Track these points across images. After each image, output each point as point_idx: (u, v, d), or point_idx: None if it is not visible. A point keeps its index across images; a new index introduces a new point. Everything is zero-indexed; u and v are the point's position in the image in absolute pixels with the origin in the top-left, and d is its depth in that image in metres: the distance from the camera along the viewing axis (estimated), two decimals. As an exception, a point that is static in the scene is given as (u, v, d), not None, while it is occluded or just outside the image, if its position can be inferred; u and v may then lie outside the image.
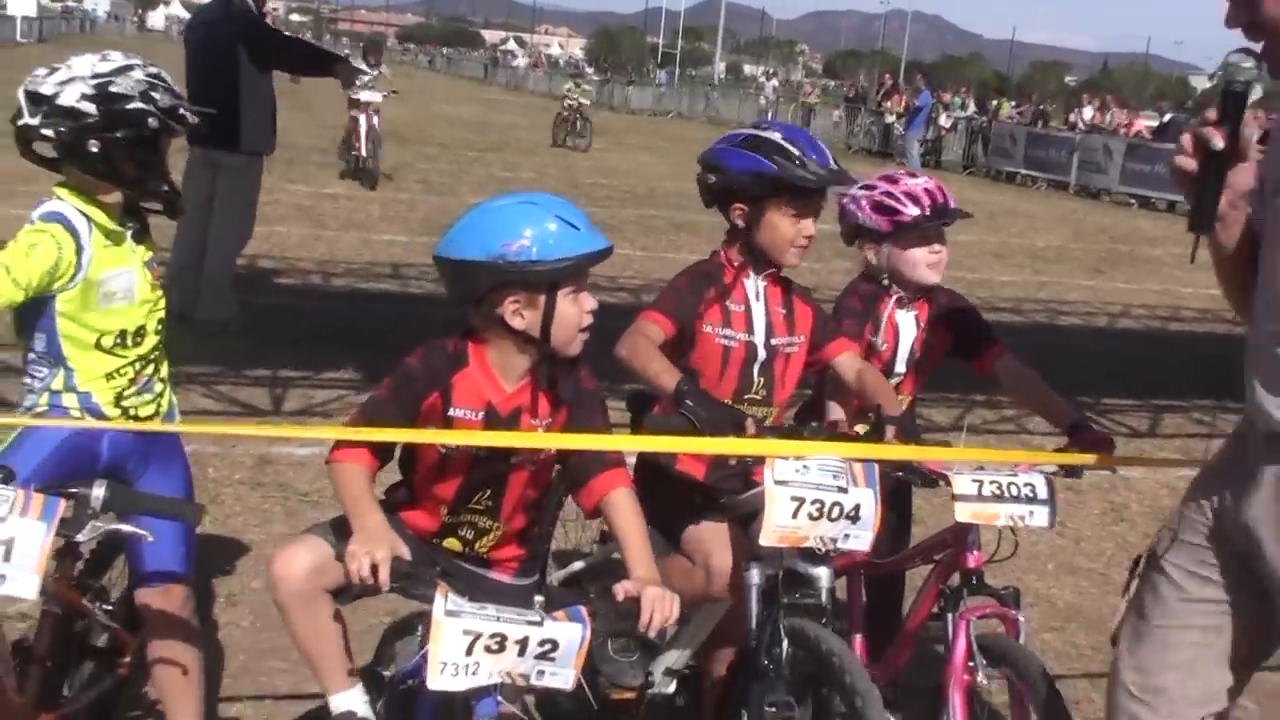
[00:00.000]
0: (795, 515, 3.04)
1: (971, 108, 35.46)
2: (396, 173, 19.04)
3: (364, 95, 17.94)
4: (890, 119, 33.61)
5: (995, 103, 35.52)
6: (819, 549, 3.13)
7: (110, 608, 3.39)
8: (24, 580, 2.48)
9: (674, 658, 3.70)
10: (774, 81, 51.98)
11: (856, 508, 3.07)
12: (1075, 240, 19.66)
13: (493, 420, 3.01)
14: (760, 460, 3.13)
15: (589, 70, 52.28)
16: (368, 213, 15.32)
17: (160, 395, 3.39)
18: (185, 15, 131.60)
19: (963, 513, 3.25)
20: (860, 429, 3.52)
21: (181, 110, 3.24)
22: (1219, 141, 2.41)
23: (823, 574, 3.31)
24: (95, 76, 3.12)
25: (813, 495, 3.04)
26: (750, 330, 3.62)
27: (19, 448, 3.14)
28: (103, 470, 3.21)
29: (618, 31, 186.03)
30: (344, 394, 7.71)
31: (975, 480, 3.26)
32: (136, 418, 3.31)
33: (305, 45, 11.39)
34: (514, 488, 3.11)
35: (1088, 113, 32.53)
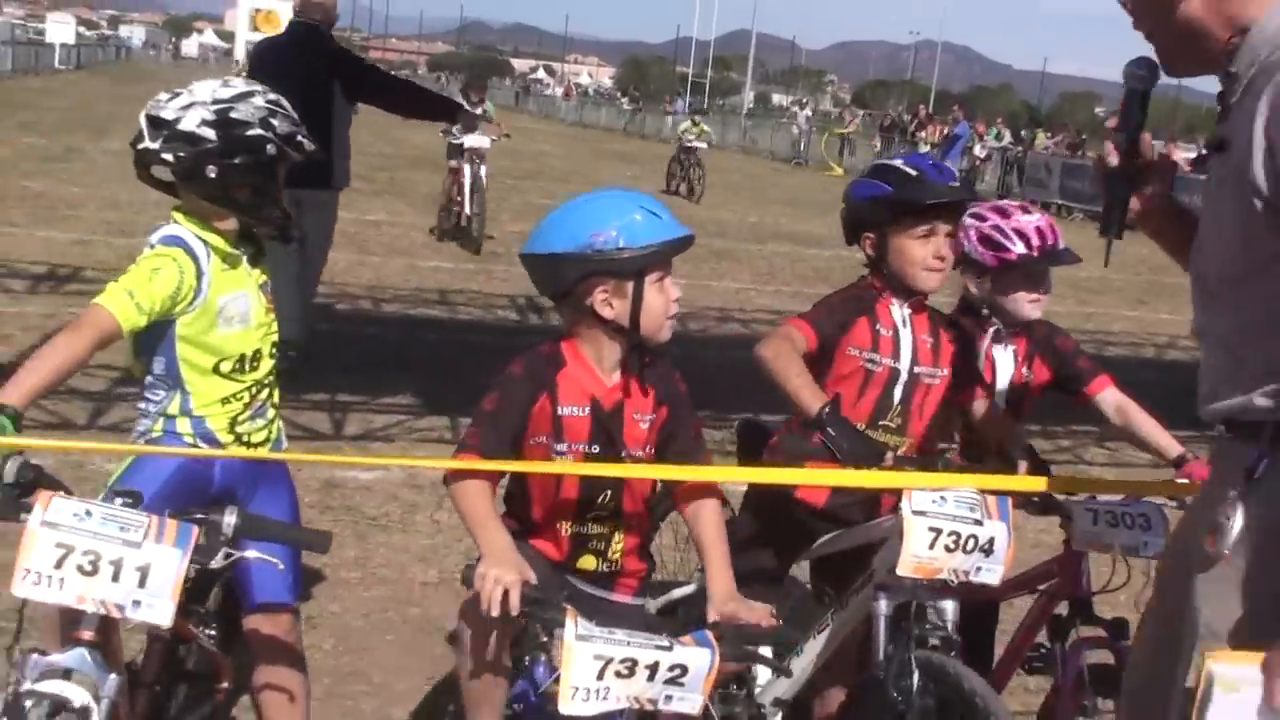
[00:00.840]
0: (932, 546, 3.04)
1: (1007, 137, 35.44)
2: (436, 199, 19.11)
3: (469, 140, 15.10)
4: (925, 149, 33.59)
5: (1030, 133, 35.42)
6: (952, 581, 3.12)
7: (213, 633, 3.39)
8: (160, 606, 2.49)
9: (783, 687, 3.68)
10: (807, 111, 51.87)
11: (990, 541, 3.07)
12: (1116, 271, 19.47)
13: (599, 414, 3.05)
14: (890, 491, 3.14)
15: (621, 99, 52.46)
16: (412, 239, 15.39)
17: (272, 421, 3.41)
18: (218, 44, 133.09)
19: (1078, 543, 3.24)
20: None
21: (299, 137, 3.27)
22: (1113, 159, 2.63)
23: (949, 607, 3.32)
24: (216, 102, 3.15)
25: (950, 527, 3.05)
26: (896, 356, 3.60)
27: (139, 470, 3.16)
28: (214, 495, 3.22)
29: (647, 61, 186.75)
30: (403, 419, 7.77)
31: (1090, 510, 3.25)
32: (250, 443, 3.33)
33: (416, 87, 10.35)
34: (631, 483, 3.12)
35: (1124, 143, 32.41)
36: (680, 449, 3.15)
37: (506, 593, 2.60)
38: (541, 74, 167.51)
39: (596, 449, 3.06)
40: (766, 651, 2.87)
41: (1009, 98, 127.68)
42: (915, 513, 3.03)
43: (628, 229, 2.94)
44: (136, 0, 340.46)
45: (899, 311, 3.62)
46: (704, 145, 25.43)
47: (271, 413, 3.41)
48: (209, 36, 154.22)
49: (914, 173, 3.50)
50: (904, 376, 3.60)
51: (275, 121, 3.21)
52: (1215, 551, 2.33)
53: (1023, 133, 36.69)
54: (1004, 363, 3.95)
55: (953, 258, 3.58)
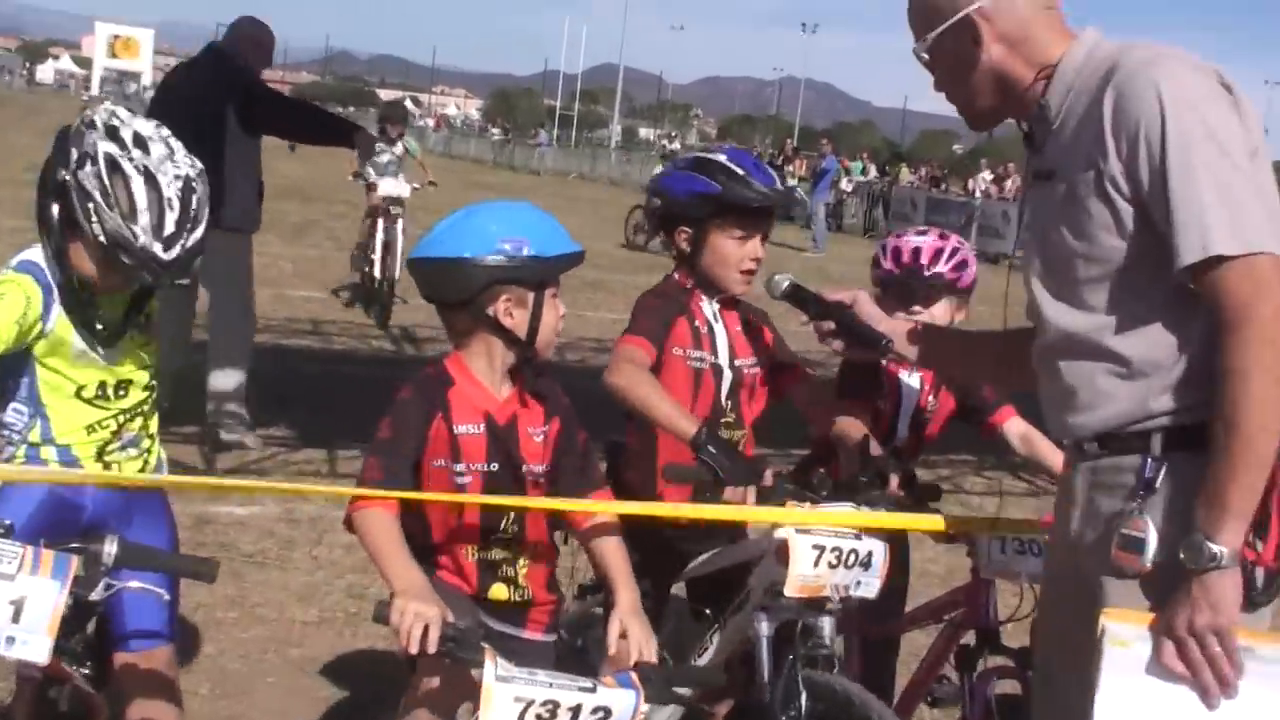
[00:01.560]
0: (816, 564, 3.01)
1: (873, 172, 36.10)
2: (305, 230, 18.78)
3: (384, 186, 12.62)
4: (792, 182, 34.02)
5: (894, 168, 36.12)
6: (833, 598, 3.09)
7: (88, 671, 3.20)
8: (36, 643, 2.33)
9: (667, 712, 3.60)
10: (675, 144, 52.30)
11: (869, 555, 3.07)
12: (982, 304, 19.94)
13: (494, 430, 2.99)
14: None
15: (492, 131, 52.41)
16: (280, 269, 15.05)
17: (148, 451, 3.23)
18: (75, 70, 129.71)
19: (987, 570, 3.22)
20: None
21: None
22: (834, 338, 3.10)
23: (827, 624, 3.23)
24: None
25: (832, 543, 3.02)
26: (715, 352, 3.57)
27: (4, 500, 2.97)
28: (86, 527, 3.04)
29: (514, 93, 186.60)
30: (279, 451, 7.56)
31: (996, 538, 3.23)
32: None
33: (312, 109, 9.72)
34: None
35: (986, 177, 33.26)
36: (573, 464, 3.11)
37: (426, 628, 2.48)
38: (409, 104, 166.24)
39: (495, 467, 2.99)
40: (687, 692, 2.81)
41: (871, 134, 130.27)
42: (800, 531, 3.00)
43: (538, 239, 2.93)
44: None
45: (709, 308, 3.61)
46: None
47: (147, 443, 3.22)
48: (65, 63, 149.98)
49: (740, 171, 3.47)
50: (727, 372, 3.58)
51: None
52: (1138, 567, 2.37)
53: (886, 168, 37.39)
54: (908, 390, 3.95)
55: (762, 261, 3.57)
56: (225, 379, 7.70)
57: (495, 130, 56.10)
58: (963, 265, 3.87)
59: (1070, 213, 2.46)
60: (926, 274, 3.86)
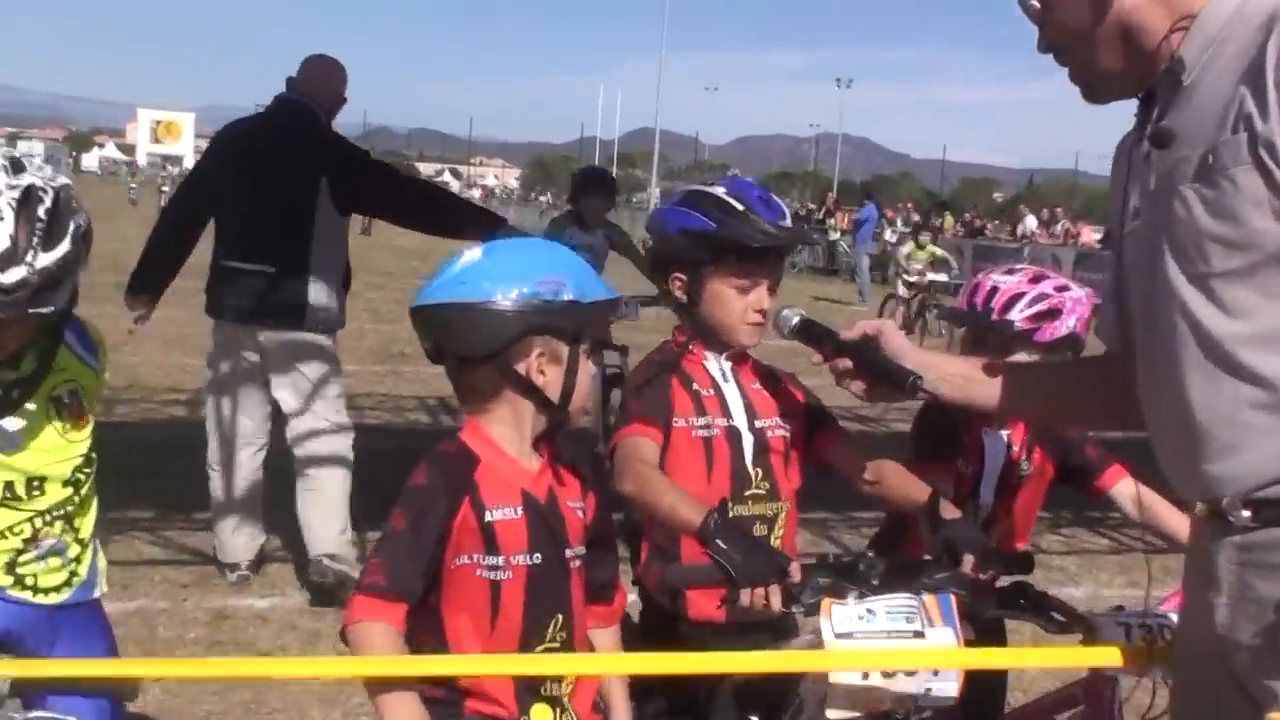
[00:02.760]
0: (866, 675, 2.39)
1: (915, 220, 35.65)
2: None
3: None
4: (834, 235, 33.62)
5: (939, 219, 35.60)
6: (898, 714, 2.47)
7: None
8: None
9: None
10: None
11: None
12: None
13: (536, 510, 2.49)
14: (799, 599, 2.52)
15: (538, 198, 52.26)
16: (316, 343, 14.67)
17: (75, 561, 2.73)
18: (120, 156, 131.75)
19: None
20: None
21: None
22: (852, 379, 2.61)
23: None
24: None
25: (884, 647, 2.41)
26: (727, 414, 3.03)
27: None
28: None
29: (552, 160, 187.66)
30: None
31: (1121, 624, 2.67)
32: (37, 588, 2.67)
33: (442, 194, 7.10)
34: (577, 599, 2.56)
35: (1031, 223, 32.69)
36: (603, 552, 2.67)
37: None
38: (448, 177, 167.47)
39: (539, 558, 2.47)
40: None
41: (910, 185, 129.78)
42: (839, 635, 2.39)
43: (576, 280, 2.46)
44: (37, 116, 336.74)
45: (716, 365, 3.07)
46: (941, 277, 19.67)
47: (75, 550, 2.73)
48: (110, 150, 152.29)
49: (740, 206, 2.94)
50: (747, 434, 3.03)
51: None
52: None
53: (931, 218, 36.90)
54: (994, 447, 3.42)
55: (771, 308, 3.01)
56: (327, 525, 6.05)
57: (546, 197, 55.98)
58: (1049, 315, 3.32)
59: (1206, 187, 1.96)
60: (994, 318, 3.34)
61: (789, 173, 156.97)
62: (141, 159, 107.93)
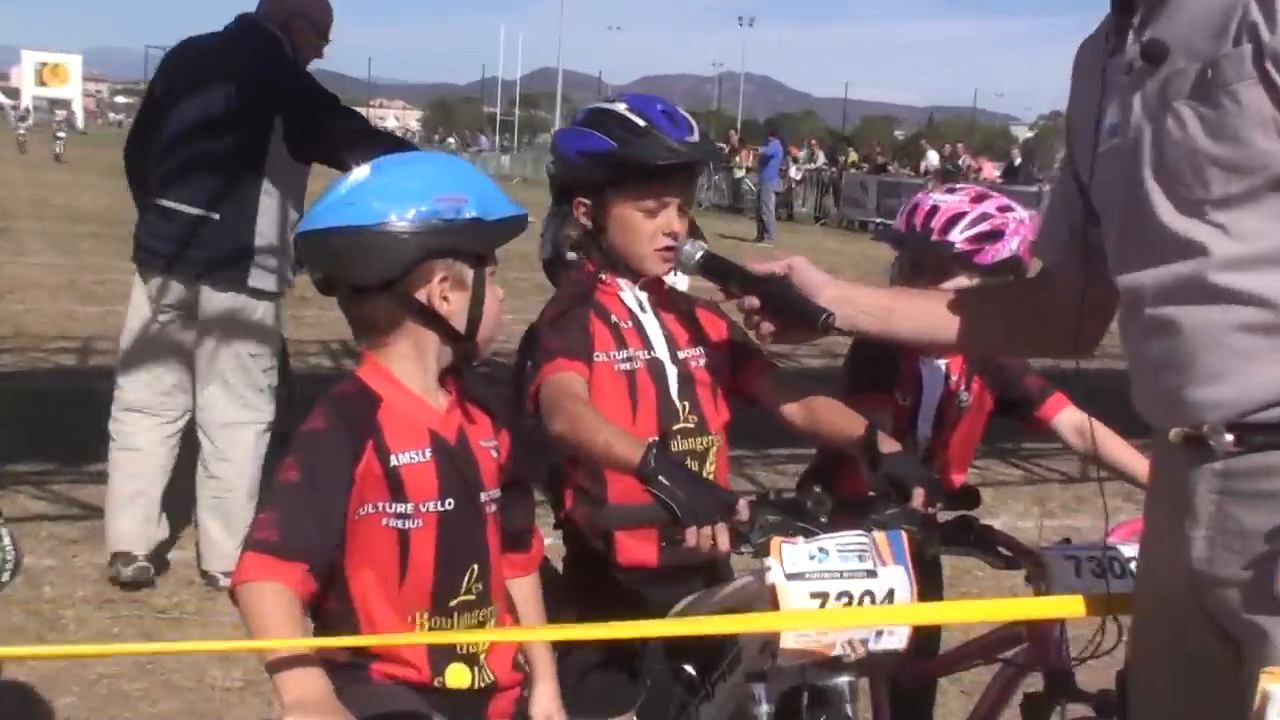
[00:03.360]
0: (823, 605, 2.25)
1: (821, 159, 35.62)
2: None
3: None
4: (740, 174, 33.48)
5: (843, 156, 35.59)
6: (847, 655, 2.32)
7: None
8: None
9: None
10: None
11: (890, 593, 2.30)
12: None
13: (445, 453, 2.26)
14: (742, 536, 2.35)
15: (439, 140, 51.93)
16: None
17: None
18: (3, 100, 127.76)
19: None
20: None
21: None
22: (762, 317, 2.49)
23: (844, 684, 2.50)
24: None
25: (837, 587, 2.26)
26: (649, 346, 2.82)
27: None
28: None
29: (453, 102, 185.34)
30: (200, 486, 6.74)
31: (1070, 558, 2.53)
32: None
33: (384, 134, 6.36)
34: (493, 546, 2.35)
35: (934, 158, 32.80)
36: (518, 493, 2.47)
37: None
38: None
39: (450, 504, 2.25)
40: None
41: (813, 123, 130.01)
42: (791, 577, 2.24)
43: (479, 196, 2.23)
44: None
45: (631, 296, 2.86)
46: None
47: None
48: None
49: (641, 123, 2.71)
50: (670, 366, 2.82)
51: None
52: None
53: (835, 154, 36.88)
54: (931, 378, 3.25)
55: (684, 231, 2.80)
56: (232, 538, 5.14)
57: (451, 140, 55.01)
58: (991, 236, 3.13)
59: (1204, 104, 1.80)
60: (933, 239, 3.16)
61: (693, 112, 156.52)
62: (26, 102, 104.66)
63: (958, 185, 3.40)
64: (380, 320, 2.26)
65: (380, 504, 2.19)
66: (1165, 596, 1.98)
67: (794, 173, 33.90)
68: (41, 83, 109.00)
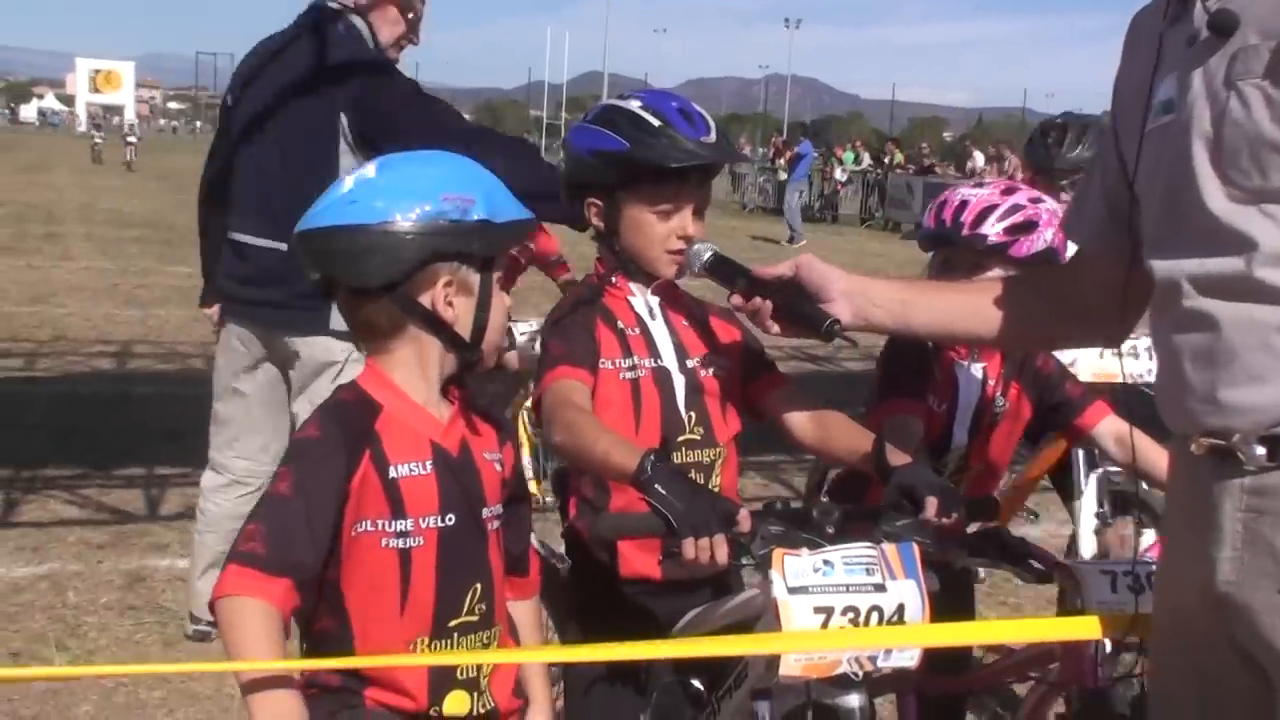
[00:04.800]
0: (825, 626, 2.15)
1: (866, 160, 35.35)
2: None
3: None
4: (783, 176, 33.32)
5: (888, 157, 35.29)
6: (855, 674, 2.22)
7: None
8: None
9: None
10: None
11: (899, 609, 2.18)
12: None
13: (447, 468, 2.16)
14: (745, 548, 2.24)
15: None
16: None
17: None
18: (59, 107, 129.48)
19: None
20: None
21: None
22: (772, 320, 2.40)
23: (855, 705, 2.37)
24: None
25: (843, 601, 2.15)
26: (655, 354, 2.73)
27: None
28: None
29: (500, 106, 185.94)
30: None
31: (1106, 572, 2.41)
32: None
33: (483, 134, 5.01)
34: (496, 564, 2.25)
35: (979, 159, 32.46)
36: (519, 513, 2.37)
37: None
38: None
39: (453, 519, 2.15)
40: None
41: (860, 125, 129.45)
42: (793, 590, 2.14)
43: (488, 197, 2.13)
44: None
45: (641, 301, 2.77)
46: None
47: None
48: (49, 100, 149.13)
49: (655, 122, 2.61)
50: (677, 375, 2.73)
51: None
52: None
53: (881, 156, 36.59)
54: (967, 382, 3.14)
55: (701, 235, 2.70)
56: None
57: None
58: (1025, 228, 3.04)
59: (1276, 86, 1.67)
60: (965, 233, 3.06)
61: (739, 115, 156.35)
62: (80, 109, 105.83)
63: (985, 180, 3.30)
64: (382, 324, 2.16)
65: (380, 521, 2.10)
66: (1187, 618, 1.86)
67: (839, 174, 33.69)
68: (95, 89, 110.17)
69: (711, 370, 2.77)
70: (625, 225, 2.69)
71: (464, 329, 2.16)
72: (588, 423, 2.48)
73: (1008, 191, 3.13)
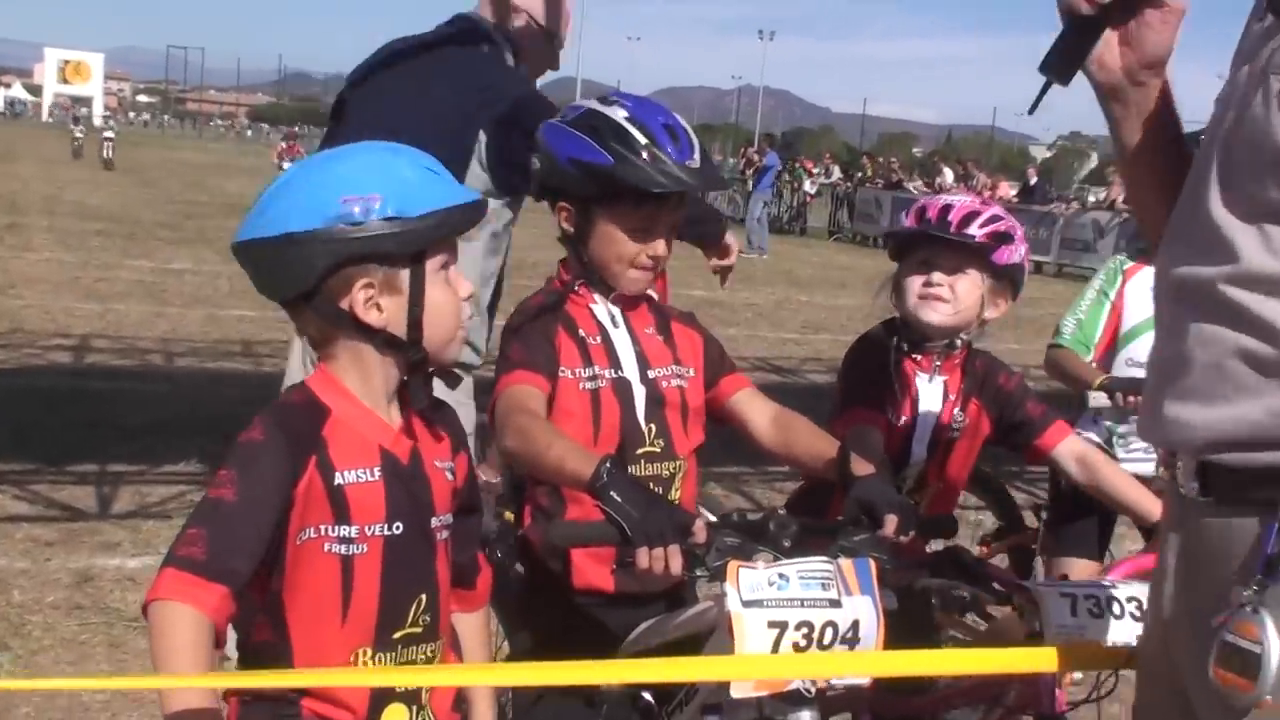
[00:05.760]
0: (776, 648, 2.10)
1: (837, 173, 35.45)
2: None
3: None
4: (749, 186, 33.35)
5: (860, 173, 35.36)
6: (807, 691, 2.17)
7: None
8: None
9: None
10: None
11: (854, 625, 2.14)
12: (1050, 306, 19.21)
13: (396, 475, 2.08)
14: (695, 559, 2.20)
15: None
16: (216, 288, 14.17)
17: None
18: (26, 97, 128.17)
19: (1053, 642, 2.33)
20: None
21: None
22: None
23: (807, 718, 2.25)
24: None
25: (798, 616, 2.11)
26: (616, 364, 2.67)
27: None
28: None
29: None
30: (185, 490, 6.60)
31: (1065, 595, 2.36)
32: None
33: None
34: (443, 575, 2.18)
35: (949, 176, 32.60)
36: (470, 524, 2.30)
37: None
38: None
39: (399, 527, 2.07)
40: None
41: (831, 139, 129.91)
42: (747, 604, 2.09)
43: (396, 192, 2.00)
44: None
45: (603, 309, 2.70)
46: None
47: None
48: (16, 90, 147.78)
49: (642, 139, 2.52)
50: (638, 386, 2.67)
51: None
52: (1249, 694, 1.52)
53: (849, 170, 36.68)
54: (928, 397, 3.11)
55: (667, 256, 2.67)
56: None
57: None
58: (1004, 236, 3.05)
59: None
60: (953, 231, 3.04)
61: (711, 125, 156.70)
62: (47, 100, 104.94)
63: (955, 193, 3.30)
64: (313, 333, 2.11)
65: (323, 526, 2.02)
66: (1152, 653, 1.81)
67: (809, 186, 33.75)
68: (64, 80, 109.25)
69: (673, 381, 2.72)
70: (596, 237, 2.63)
71: (398, 328, 2.06)
72: (541, 428, 2.42)
73: (984, 203, 3.15)
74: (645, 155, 2.51)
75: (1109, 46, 1.78)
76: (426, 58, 4.05)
